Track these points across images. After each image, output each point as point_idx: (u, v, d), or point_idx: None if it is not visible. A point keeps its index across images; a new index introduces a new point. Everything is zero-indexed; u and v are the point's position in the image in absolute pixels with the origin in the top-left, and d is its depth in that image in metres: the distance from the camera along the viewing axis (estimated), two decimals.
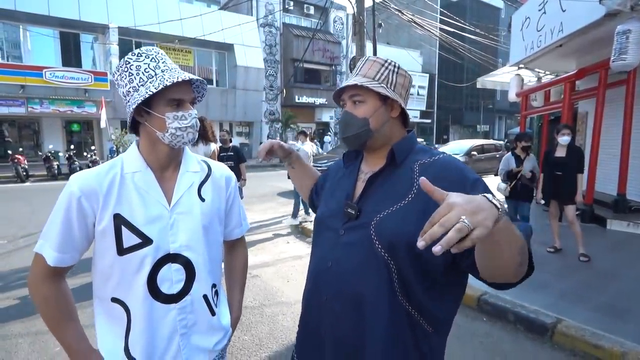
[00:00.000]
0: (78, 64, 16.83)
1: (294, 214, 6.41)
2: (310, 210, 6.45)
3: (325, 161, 9.82)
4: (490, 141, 16.38)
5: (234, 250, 1.32)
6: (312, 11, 23.33)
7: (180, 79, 0.97)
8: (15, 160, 11.83)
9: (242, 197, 5.99)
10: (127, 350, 1.00)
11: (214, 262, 1.13)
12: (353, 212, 0.99)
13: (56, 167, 12.38)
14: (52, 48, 16.63)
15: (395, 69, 1.02)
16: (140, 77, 0.98)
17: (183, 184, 1.08)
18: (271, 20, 21.78)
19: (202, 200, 1.10)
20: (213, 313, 1.11)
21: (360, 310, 0.94)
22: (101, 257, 1.00)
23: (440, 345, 0.99)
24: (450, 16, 16.80)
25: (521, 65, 8.82)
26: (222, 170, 1.20)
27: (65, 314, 1.02)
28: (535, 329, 3.00)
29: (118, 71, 1.02)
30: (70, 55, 16.86)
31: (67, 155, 12.83)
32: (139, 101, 0.97)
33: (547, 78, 9.47)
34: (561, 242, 4.72)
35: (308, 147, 6.39)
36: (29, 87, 14.52)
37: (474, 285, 3.63)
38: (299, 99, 22.22)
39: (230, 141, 6.03)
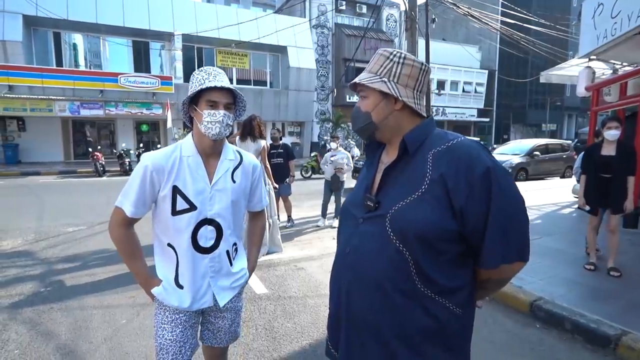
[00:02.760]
0: (147, 70, 18.43)
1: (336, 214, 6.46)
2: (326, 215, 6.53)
3: None
4: (557, 140, 15.13)
5: (255, 219, 1.72)
6: (364, 10, 23.21)
7: (212, 85, 1.33)
8: (94, 157, 13.27)
9: (290, 194, 6.16)
10: (176, 279, 1.42)
11: (237, 227, 1.52)
12: (372, 205, 1.03)
13: (128, 163, 13.63)
14: (126, 56, 18.43)
15: (400, 60, 1.03)
16: (194, 85, 1.38)
17: (222, 168, 1.45)
18: (323, 21, 22.05)
19: (234, 182, 1.47)
20: (231, 264, 1.51)
21: (375, 296, 0.97)
22: (160, 214, 1.40)
23: (470, 316, 1.02)
24: (512, 7, 15.74)
25: (592, 57, 8.03)
26: (250, 159, 1.57)
27: (133, 250, 1.43)
28: (596, 340, 2.76)
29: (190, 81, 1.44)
30: (141, 61, 18.55)
31: (137, 153, 14.09)
32: (187, 100, 1.39)
33: (624, 70, 8.53)
34: (616, 257, 3.97)
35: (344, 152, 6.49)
36: (106, 91, 16.21)
37: (527, 290, 3.43)
38: (349, 99, 22.21)
39: (281, 139, 6.21)
